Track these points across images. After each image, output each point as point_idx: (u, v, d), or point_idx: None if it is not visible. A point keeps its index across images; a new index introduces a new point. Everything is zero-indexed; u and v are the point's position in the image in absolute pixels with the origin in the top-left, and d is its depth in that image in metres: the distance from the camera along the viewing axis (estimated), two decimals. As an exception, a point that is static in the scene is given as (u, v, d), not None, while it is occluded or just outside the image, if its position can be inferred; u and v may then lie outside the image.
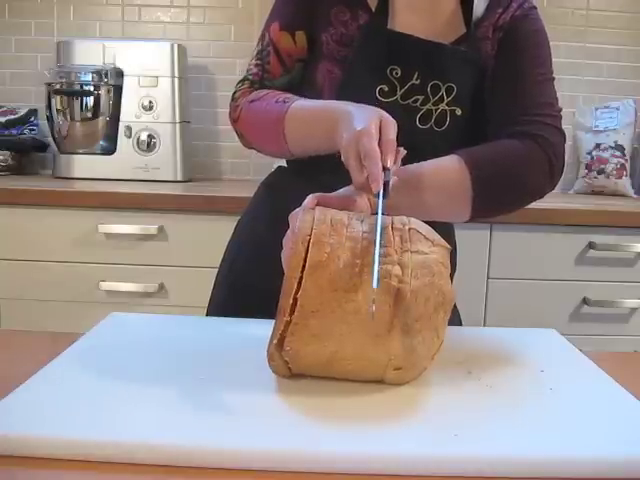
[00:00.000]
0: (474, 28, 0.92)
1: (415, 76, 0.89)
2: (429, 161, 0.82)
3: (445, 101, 0.90)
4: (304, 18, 0.93)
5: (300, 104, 0.85)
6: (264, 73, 0.94)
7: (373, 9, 0.91)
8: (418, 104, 0.89)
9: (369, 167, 0.66)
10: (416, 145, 0.89)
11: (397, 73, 0.89)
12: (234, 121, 0.95)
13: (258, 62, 0.95)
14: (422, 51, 0.89)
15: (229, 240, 1.08)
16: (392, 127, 0.71)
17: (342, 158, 0.73)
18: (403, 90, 0.89)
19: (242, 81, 0.96)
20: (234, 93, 0.96)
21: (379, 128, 0.70)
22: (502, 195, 0.84)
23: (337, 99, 0.88)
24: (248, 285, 0.98)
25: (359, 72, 0.90)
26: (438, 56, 0.89)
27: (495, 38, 0.92)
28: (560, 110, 0.89)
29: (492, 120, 0.91)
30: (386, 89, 0.89)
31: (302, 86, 0.95)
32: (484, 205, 0.83)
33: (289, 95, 0.88)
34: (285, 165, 1.05)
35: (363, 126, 0.69)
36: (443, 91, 0.89)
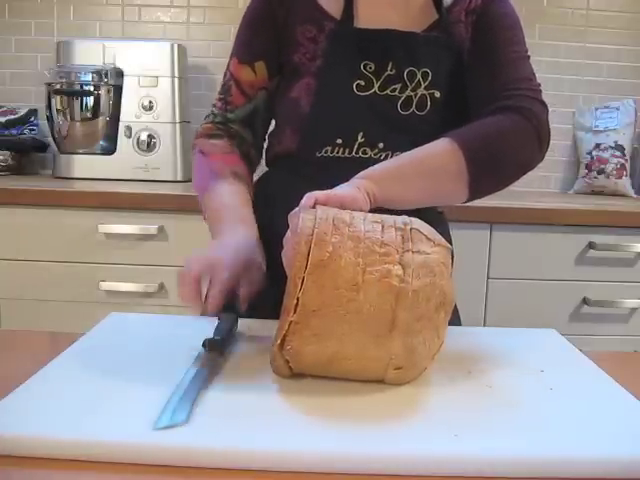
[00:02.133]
0: (446, 13, 0.94)
1: (389, 67, 0.91)
2: (421, 147, 0.83)
3: (423, 86, 0.91)
4: (264, 49, 0.96)
5: (210, 196, 0.91)
6: (227, 105, 0.98)
7: (338, 18, 0.93)
8: (397, 92, 0.91)
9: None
10: (401, 131, 0.90)
11: (371, 68, 0.91)
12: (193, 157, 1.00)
13: (221, 96, 0.99)
14: (393, 42, 0.91)
15: None
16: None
17: None
18: (380, 82, 0.91)
19: (207, 116, 1.00)
20: (200, 126, 1.00)
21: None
22: (496, 170, 0.85)
23: (313, 105, 0.92)
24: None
25: (332, 75, 0.92)
26: (409, 44, 0.91)
27: (468, 21, 0.94)
28: (539, 85, 0.91)
29: (473, 100, 0.92)
30: (362, 84, 0.91)
31: (280, 101, 0.97)
32: (480, 183, 0.84)
33: (223, 168, 0.93)
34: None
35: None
36: (419, 76, 0.91)
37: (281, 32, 0.94)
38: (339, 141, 0.90)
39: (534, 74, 0.92)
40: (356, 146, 0.91)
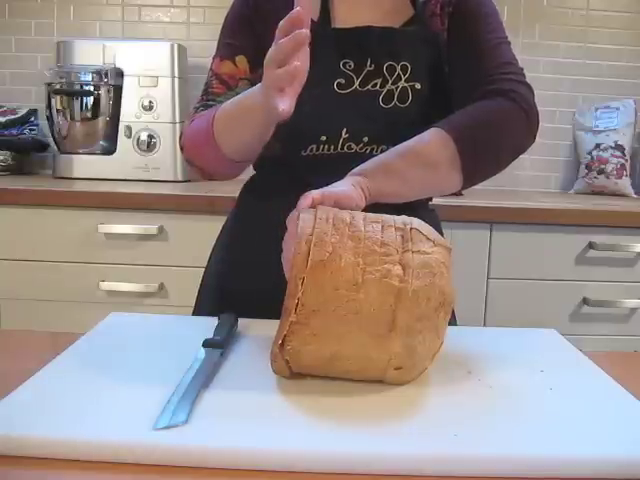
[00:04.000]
0: (421, 8, 0.95)
1: (369, 63, 0.91)
2: (411, 139, 0.83)
3: (403, 79, 0.92)
4: (244, 46, 0.96)
5: (224, 104, 0.86)
6: (208, 96, 0.96)
7: (315, 19, 0.93)
8: (378, 87, 0.92)
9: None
10: (384, 124, 0.91)
11: (350, 66, 0.91)
12: (182, 150, 0.96)
13: (203, 93, 0.98)
14: (370, 38, 0.91)
15: (215, 241, 1.08)
16: None
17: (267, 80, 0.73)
18: (360, 78, 0.91)
19: (189, 114, 0.98)
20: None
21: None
22: (489, 154, 0.85)
23: (295, 106, 0.90)
24: (235, 287, 0.97)
25: (312, 76, 0.92)
26: (387, 39, 0.92)
27: (444, 13, 0.95)
28: (522, 69, 0.91)
29: (457, 89, 0.93)
30: (343, 82, 0.91)
31: None
32: (474, 169, 0.84)
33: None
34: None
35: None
36: (399, 70, 0.92)
37: (262, 33, 0.94)
38: (323, 138, 0.91)
39: (516, 59, 0.92)
40: (341, 142, 0.91)
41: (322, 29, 0.93)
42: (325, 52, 0.92)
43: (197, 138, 0.90)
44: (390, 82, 0.91)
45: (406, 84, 0.91)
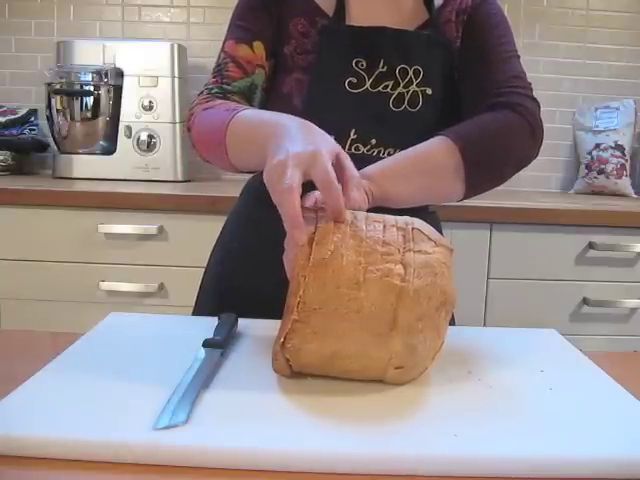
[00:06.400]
0: (437, 13, 0.95)
1: (381, 64, 0.91)
2: (417, 146, 0.83)
3: (415, 83, 0.92)
4: (262, 32, 0.94)
5: (245, 114, 0.79)
6: (223, 79, 0.92)
7: (330, 14, 0.93)
8: (389, 89, 0.91)
9: (328, 198, 0.60)
10: (393, 128, 0.91)
11: (362, 65, 0.91)
12: (188, 130, 0.93)
13: (216, 74, 0.94)
14: (384, 39, 0.91)
15: (215, 242, 1.08)
16: (351, 163, 0.66)
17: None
18: (371, 79, 0.91)
19: (201, 92, 0.93)
20: (192, 102, 0.93)
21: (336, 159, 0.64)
22: (492, 166, 0.86)
23: (305, 102, 0.91)
24: (235, 288, 0.97)
25: (324, 72, 0.92)
26: (401, 41, 0.92)
27: (459, 21, 0.95)
28: (530, 84, 0.92)
29: (465, 98, 0.93)
30: (354, 81, 0.91)
31: (272, 97, 0.96)
32: (477, 180, 0.84)
33: (241, 105, 0.84)
34: None
35: (313, 148, 0.61)
36: (411, 74, 0.92)
37: (276, 22, 0.94)
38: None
39: (524, 73, 0.93)
40: (348, 142, 0.91)
41: (336, 25, 0.92)
42: (338, 49, 0.91)
43: (208, 137, 0.85)
44: (402, 85, 0.91)
45: (417, 88, 0.91)
